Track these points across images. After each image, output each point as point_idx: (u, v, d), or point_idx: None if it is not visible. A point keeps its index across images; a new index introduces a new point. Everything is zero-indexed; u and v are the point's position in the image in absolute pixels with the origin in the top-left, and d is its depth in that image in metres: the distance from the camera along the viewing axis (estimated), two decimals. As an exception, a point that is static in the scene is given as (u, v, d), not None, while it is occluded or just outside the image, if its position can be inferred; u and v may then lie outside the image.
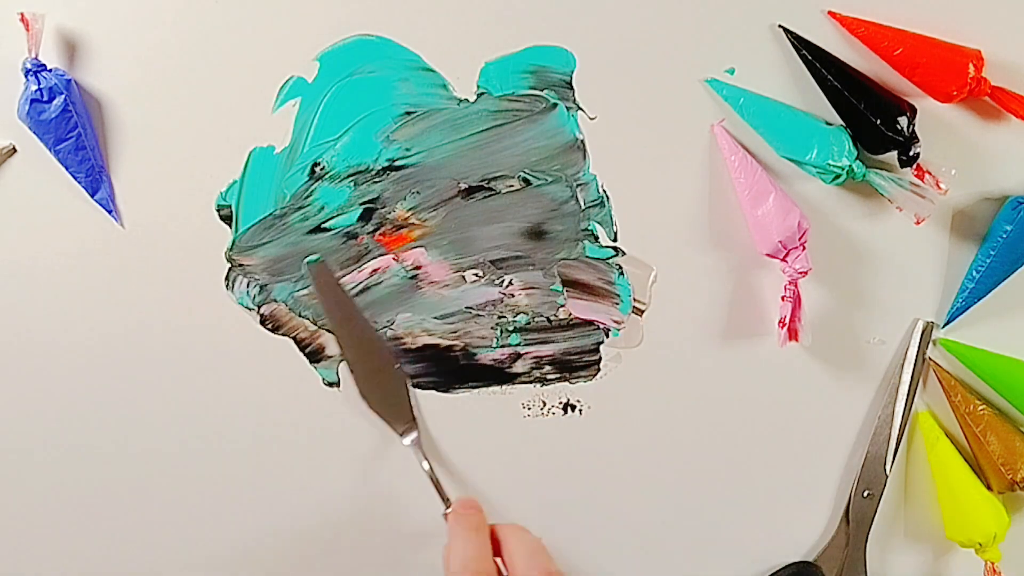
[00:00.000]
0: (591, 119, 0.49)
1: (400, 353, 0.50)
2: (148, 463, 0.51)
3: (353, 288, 0.49)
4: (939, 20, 0.47)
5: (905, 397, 0.50)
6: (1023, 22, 0.48)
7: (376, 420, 0.50)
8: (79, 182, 0.48)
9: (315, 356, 0.50)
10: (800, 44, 0.48)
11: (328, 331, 0.50)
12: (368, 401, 0.50)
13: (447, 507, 0.48)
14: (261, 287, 0.49)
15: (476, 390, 0.51)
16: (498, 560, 0.43)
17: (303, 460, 0.51)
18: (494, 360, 0.51)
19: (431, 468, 0.49)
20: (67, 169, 0.48)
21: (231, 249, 0.49)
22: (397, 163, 0.49)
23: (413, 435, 0.50)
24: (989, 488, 0.50)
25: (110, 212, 0.48)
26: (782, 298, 0.48)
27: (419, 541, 0.52)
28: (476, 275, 0.50)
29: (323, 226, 0.49)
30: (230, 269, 0.49)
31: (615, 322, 0.50)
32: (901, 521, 0.52)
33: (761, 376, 0.51)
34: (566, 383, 0.51)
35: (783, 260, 0.48)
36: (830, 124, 0.48)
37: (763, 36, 0.48)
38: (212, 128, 0.48)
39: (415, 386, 0.50)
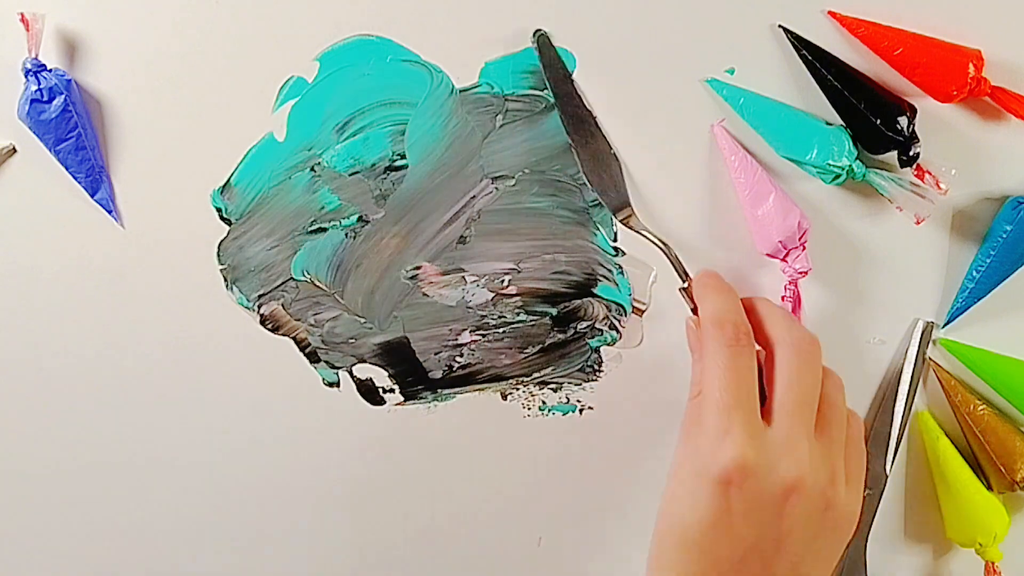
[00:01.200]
0: (591, 119, 0.49)
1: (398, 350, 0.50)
2: (147, 463, 0.51)
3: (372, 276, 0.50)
4: (939, 20, 0.47)
5: (905, 397, 0.50)
6: (1023, 22, 0.48)
7: (380, 419, 0.50)
8: (79, 182, 0.48)
9: (315, 356, 0.50)
10: (800, 44, 0.48)
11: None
12: (590, 181, 0.48)
13: (686, 280, 0.46)
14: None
15: (476, 390, 0.51)
16: None
17: (303, 460, 0.51)
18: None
19: (664, 242, 0.47)
20: (67, 169, 0.48)
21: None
22: (397, 164, 0.49)
23: (627, 212, 0.48)
24: (989, 488, 0.50)
25: (110, 212, 0.49)
26: (782, 298, 0.48)
27: (420, 540, 0.52)
28: (476, 276, 0.50)
29: (323, 227, 0.49)
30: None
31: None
32: (901, 521, 0.52)
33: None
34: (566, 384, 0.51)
35: (783, 260, 0.48)
36: (830, 124, 0.48)
37: (763, 36, 0.48)
38: (212, 128, 0.48)
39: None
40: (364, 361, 0.50)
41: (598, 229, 0.50)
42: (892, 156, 0.47)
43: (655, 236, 0.47)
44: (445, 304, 0.50)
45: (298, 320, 0.50)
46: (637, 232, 0.48)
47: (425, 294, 0.50)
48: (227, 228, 0.49)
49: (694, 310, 0.45)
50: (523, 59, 0.48)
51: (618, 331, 0.50)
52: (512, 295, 0.50)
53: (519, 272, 0.50)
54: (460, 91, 0.48)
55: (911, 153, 0.47)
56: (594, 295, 0.50)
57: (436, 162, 0.49)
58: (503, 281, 0.50)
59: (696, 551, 0.39)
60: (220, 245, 0.49)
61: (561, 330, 0.50)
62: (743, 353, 0.40)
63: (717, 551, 0.39)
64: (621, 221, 0.48)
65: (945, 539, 0.51)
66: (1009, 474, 0.49)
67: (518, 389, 0.51)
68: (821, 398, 0.41)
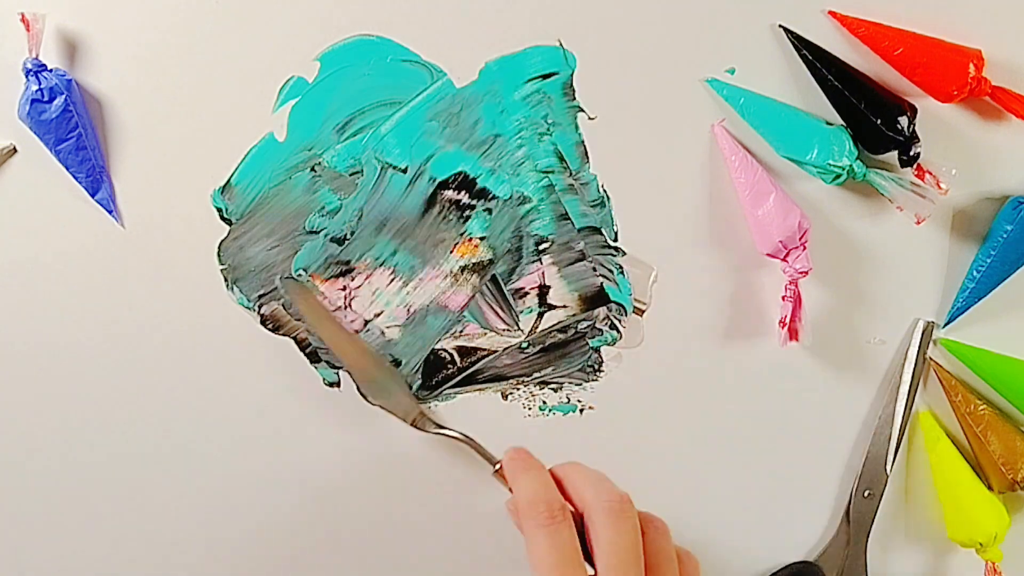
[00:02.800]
0: (591, 119, 0.49)
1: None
2: (147, 463, 0.51)
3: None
4: (939, 20, 0.47)
5: (905, 397, 0.50)
6: (1023, 22, 0.48)
7: (380, 419, 0.50)
8: (79, 182, 0.48)
9: (315, 356, 0.50)
10: (800, 44, 0.48)
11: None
12: (375, 402, 0.49)
13: (495, 465, 0.46)
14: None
15: (477, 390, 0.51)
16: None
17: (303, 460, 0.51)
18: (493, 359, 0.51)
19: (465, 434, 0.48)
20: (67, 169, 0.48)
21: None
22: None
23: (426, 420, 0.49)
24: (990, 488, 0.50)
25: (110, 212, 0.49)
26: (782, 298, 0.48)
27: (420, 540, 0.52)
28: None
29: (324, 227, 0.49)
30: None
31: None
32: (902, 521, 0.52)
33: (761, 376, 0.51)
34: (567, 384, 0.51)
35: (783, 260, 0.48)
36: (830, 124, 0.48)
37: (763, 36, 0.48)
38: (212, 128, 0.48)
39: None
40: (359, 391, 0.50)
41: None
42: (892, 156, 0.47)
43: (453, 431, 0.48)
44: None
45: (298, 320, 0.50)
46: (434, 432, 0.49)
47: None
48: (227, 228, 0.49)
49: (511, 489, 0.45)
50: (523, 59, 0.48)
51: (618, 331, 0.50)
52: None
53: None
54: (460, 91, 0.48)
55: (911, 153, 0.47)
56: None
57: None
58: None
59: None
60: (220, 245, 0.49)
61: (562, 330, 0.50)
62: (560, 530, 0.40)
63: None
64: (412, 424, 0.49)
65: (946, 539, 0.51)
66: (1010, 474, 0.49)
67: (519, 389, 0.51)
68: (647, 548, 0.41)
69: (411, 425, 0.49)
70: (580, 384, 0.51)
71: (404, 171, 0.49)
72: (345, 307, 0.50)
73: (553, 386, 0.51)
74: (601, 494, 0.41)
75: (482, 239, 0.49)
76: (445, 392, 0.51)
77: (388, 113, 0.48)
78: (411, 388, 0.50)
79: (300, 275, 0.49)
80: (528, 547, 0.40)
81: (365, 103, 0.48)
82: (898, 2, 0.48)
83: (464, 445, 0.48)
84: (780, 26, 0.48)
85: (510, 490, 0.44)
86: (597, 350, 0.51)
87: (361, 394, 0.50)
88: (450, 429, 0.49)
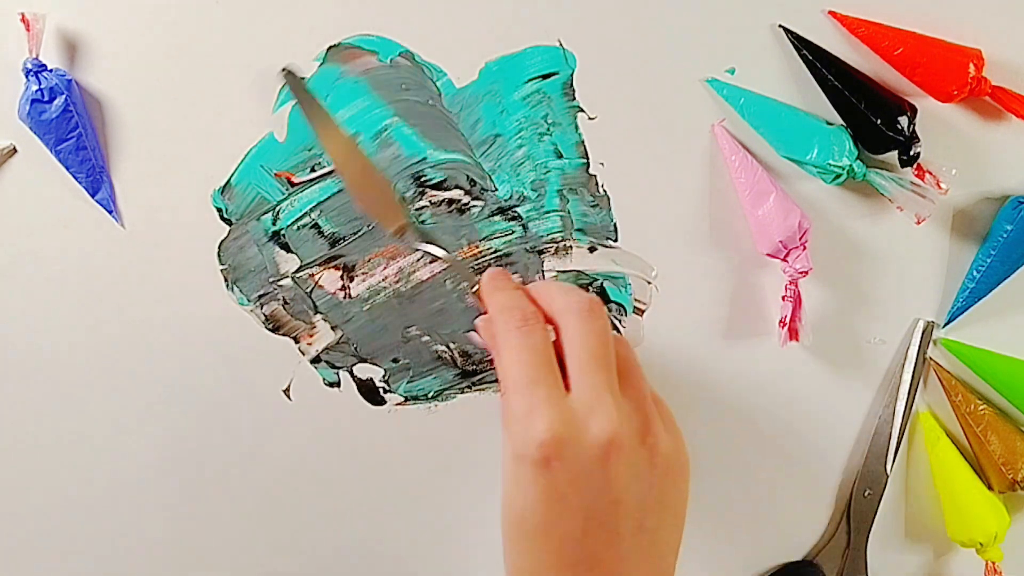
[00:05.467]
0: (591, 119, 0.49)
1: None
2: (147, 463, 0.51)
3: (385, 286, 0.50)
4: (939, 20, 0.48)
5: (906, 397, 0.50)
6: (1023, 22, 0.48)
7: (380, 419, 0.50)
8: (79, 182, 0.48)
9: (315, 356, 0.50)
10: (800, 44, 0.48)
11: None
12: (363, 205, 0.48)
13: (475, 285, 0.44)
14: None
15: (477, 390, 0.51)
16: None
17: (303, 460, 0.51)
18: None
19: (447, 251, 0.47)
20: (68, 169, 0.48)
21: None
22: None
23: (410, 231, 0.47)
24: (990, 488, 0.50)
25: (110, 212, 0.49)
26: (783, 298, 0.49)
27: (421, 540, 0.52)
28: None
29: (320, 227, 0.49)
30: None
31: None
32: (902, 521, 0.52)
33: (761, 376, 0.51)
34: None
35: (784, 260, 0.48)
36: (831, 124, 0.48)
37: (763, 36, 0.48)
38: (212, 128, 0.48)
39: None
40: (365, 361, 0.50)
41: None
42: (892, 156, 0.47)
43: (436, 247, 0.46)
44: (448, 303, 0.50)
45: (298, 320, 0.50)
46: (416, 246, 0.48)
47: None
48: (227, 228, 0.49)
49: (483, 313, 0.43)
50: (523, 59, 0.48)
51: (618, 331, 0.50)
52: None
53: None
54: (460, 91, 0.48)
55: (911, 153, 0.47)
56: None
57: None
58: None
59: (539, 536, 0.38)
60: (220, 245, 0.49)
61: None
62: (533, 332, 0.39)
63: (559, 530, 0.37)
64: (395, 233, 0.47)
65: (946, 539, 0.51)
66: (1010, 474, 0.49)
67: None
68: (616, 357, 0.40)
69: (394, 234, 0.47)
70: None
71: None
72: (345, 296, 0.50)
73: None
74: (571, 298, 0.40)
75: (482, 239, 0.49)
76: (445, 392, 0.51)
77: (387, 113, 0.48)
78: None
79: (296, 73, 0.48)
80: (500, 354, 0.39)
81: (365, 103, 0.48)
82: (898, 2, 0.48)
83: (449, 267, 0.46)
84: (780, 26, 0.48)
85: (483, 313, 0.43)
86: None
87: (355, 200, 0.49)
88: (434, 245, 0.47)
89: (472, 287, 0.45)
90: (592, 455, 0.37)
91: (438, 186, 0.49)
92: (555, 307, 0.40)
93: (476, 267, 0.49)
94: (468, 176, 0.49)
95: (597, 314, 0.40)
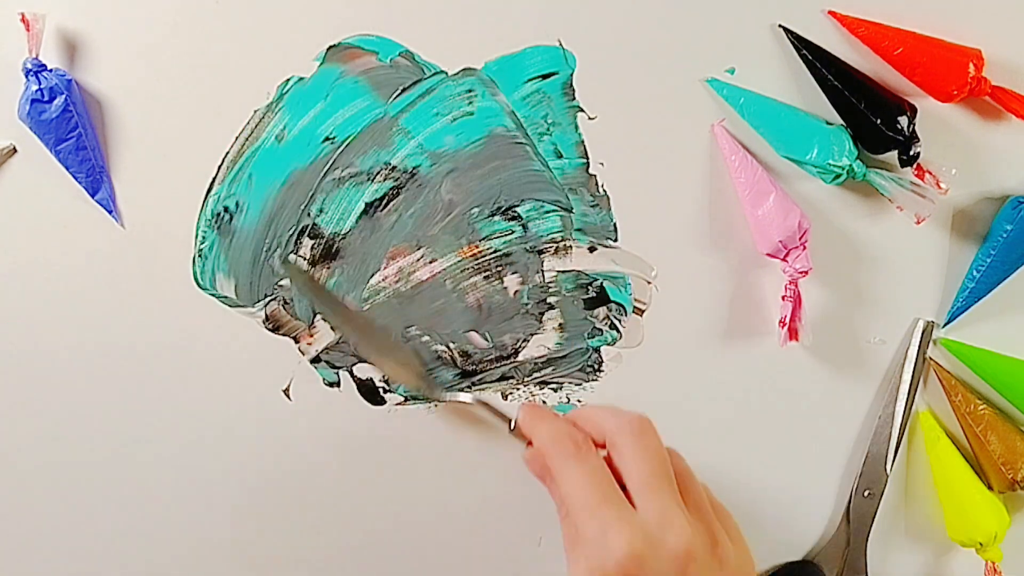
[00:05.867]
0: (591, 119, 0.49)
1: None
2: (146, 462, 0.51)
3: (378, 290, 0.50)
4: (939, 20, 0.47)
5: (905, 397, 0.50)
6: (1023, 22, 0.48)
7: (380, 419, 0.50)
8: (79, 182, 0.48)
9: (315, 356, 0.50)
10: (800, 44, 0.48)
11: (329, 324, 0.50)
12: (387, 372, 0.49)
13: (512, 423, 0.45)
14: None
15: (476, 391, 0.51)
16: None
17: (303, 460, 0.51)
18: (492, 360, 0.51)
19: (477, 398, 0.47)
20: (67, 169, 0.48)
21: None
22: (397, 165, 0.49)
23: (435, 390, 0.49)
24: (990, 488, 0.50)
25: (110, 212, 0.49)
26: (782, 298, 0.48)
27: (421, 540, 0.52)
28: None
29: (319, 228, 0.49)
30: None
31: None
32: (902, 521, 0.52)
33: (761, 376, 0.51)
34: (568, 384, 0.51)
35: (783, 260, 0.48)
36: (830, 124, 0.48)
37: (763, 36, 0.48)
38: (213, 128, 0.48)
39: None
40: (365, 361, 0.50)
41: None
42: (892, 156, 0.47)
43: (465, 396, 0.47)
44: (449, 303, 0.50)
45: (298, 320, 0.50)
46: (447, 400, 0.49)
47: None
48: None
49: (529, 444, 0.44)
50: (523, 59, 0.48)
51: (618, 331, 0.50)
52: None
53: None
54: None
55: (911, 153, 0.47)
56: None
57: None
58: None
59: None
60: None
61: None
62: (588, 456, 0.40)
63: None
64: (422, 394, 0.50)
65: (945, 539, 0.51)
66: (1010, 473, 0.49)
67: (519, 389, 0.51)
68: (674, 470, 0.41)
69: (421, 396, 0.49)
70: (580, 384, 0.51)
71: (404, 171, 0.49)
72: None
73: (553, 386, 0.51)
74: (621, 418, 0.41)
75: (482, 239, 0.49)
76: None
77: (388, 114, 0.48)
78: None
79: (294, 259, 0.49)
80: (560, 483, 0.40)
81: (366, 103, 0.48)
82: (898, 2, 0.48)
83: (478, 410, 0.46)
84: (780, 26, 0.48)
85: (528, 444, 0.44)
86: (597, 350, 0.51)
87: (360, 360, 0.50)
88: (462, 394, 0.48)
89: (511, 426, 0.45)
90: (670, 569, 0.38)
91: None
92: (606, 429, 0.41)
93: (476, 267, 0.49)
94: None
95: (650, 432, 0.41)
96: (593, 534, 0.38)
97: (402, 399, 0.51)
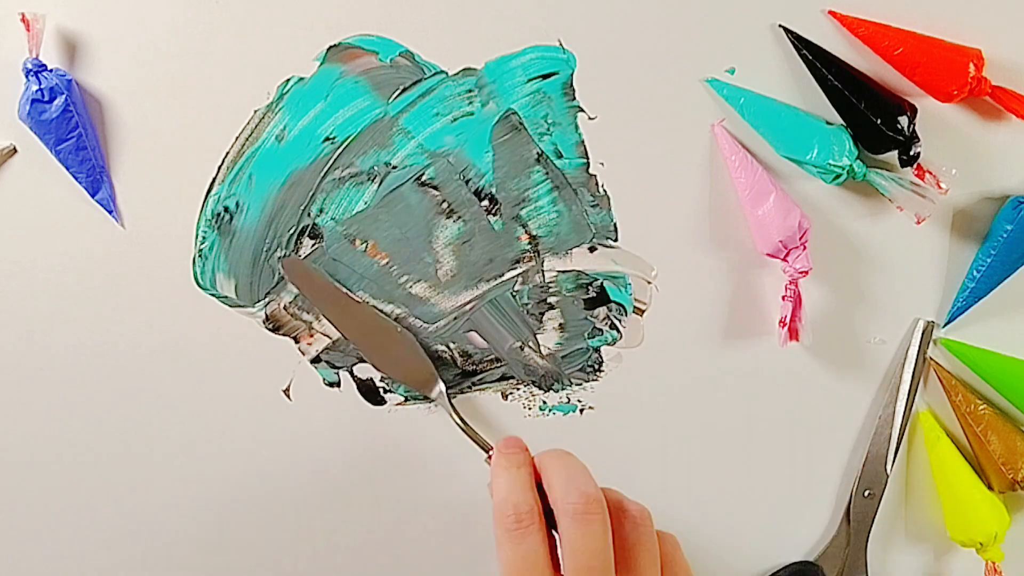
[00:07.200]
0: (591, 119, 0.49)
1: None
2: (146, 462, 0.51)
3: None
4: (939, 20, 0.47)
5: (906, 397, 0.50)
6: (1023, 22, 0.48)
7: (380, 419, 0.50)
8: (80, 182, 0.48)
9: (315, 356, 0.50)
10: (800, 44, 0.48)
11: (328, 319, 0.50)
12: (386, 372, 0.49)
13: (488, 453, 0.46)
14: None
15: (476, 390, 0.51)
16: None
17: (303, 460, 0.51)
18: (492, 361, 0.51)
19: (462, 419, 0.48)
20: (68, 169, 0.48)
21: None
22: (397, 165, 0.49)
23: (438, 388, 0.49)
24: (990, 488, 0.50)
25: (110, 212, 0.49)
26: (783, 298, 0.48)
27: (421, 540, 0.52)
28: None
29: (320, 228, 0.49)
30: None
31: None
32: (902, 521, 0.52)
33: (761, 376, 0.51)
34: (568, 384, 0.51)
35: (784, 260, 0.48)
36: (831, 124, 0.48)
37: (763, 36, 0.48)
38: (213, 128, 0.48)
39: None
40: (364, 361, 0.50)
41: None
42: (892, 156, 0.47)
43: (457, 416, 0.48)
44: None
45: (298, 320, 0.50)
46: (446, 407, 0.49)
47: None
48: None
49: None
50: (523, 59, 0.48)
51: (618, 331, 0.50)
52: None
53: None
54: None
55: (911, 153, 0.47)
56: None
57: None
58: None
59: None
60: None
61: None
62: (526, 536, 0.39)
63: None
64: (436, 401, 0.49)
65: (945, 539, 0.51)
66: (1010, 473, 0.49)
67: (519, 389, 0.51)
68: (621, 543, 0.39)
69: (424, 395, 0.49)
70: (580, 384, 0.51)
71: (403, 170, 0.49)
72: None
73: (555, 386, 0.51)
74: (568, 495, 0.39)
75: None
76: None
77: (388, 114, 0.48)
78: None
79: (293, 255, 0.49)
80: (497, 550, 0.39)
81: (366, 103, 0.48)
82: (898, 2, 0.48)
83: (461, 431, 0.47)
84: (780, 26, 0.48)
85: None
86: (597, 350, 0.51)
87: (377, 368, 0.50)
88: (454, 409, 0.48)
89: (487, 455, 0.46)
90: None
91: (438, 187, 0.49)
92: (554, 500, 0.40)
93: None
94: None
95: (593, 515, 0.39)
96: None
97: (402, 399, 0.51)
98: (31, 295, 0.49)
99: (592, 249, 0.50)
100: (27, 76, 0.46)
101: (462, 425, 0.48)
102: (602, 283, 0.50)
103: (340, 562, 0.52)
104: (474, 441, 0.47)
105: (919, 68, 0.47)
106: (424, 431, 0.51)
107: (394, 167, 0.49)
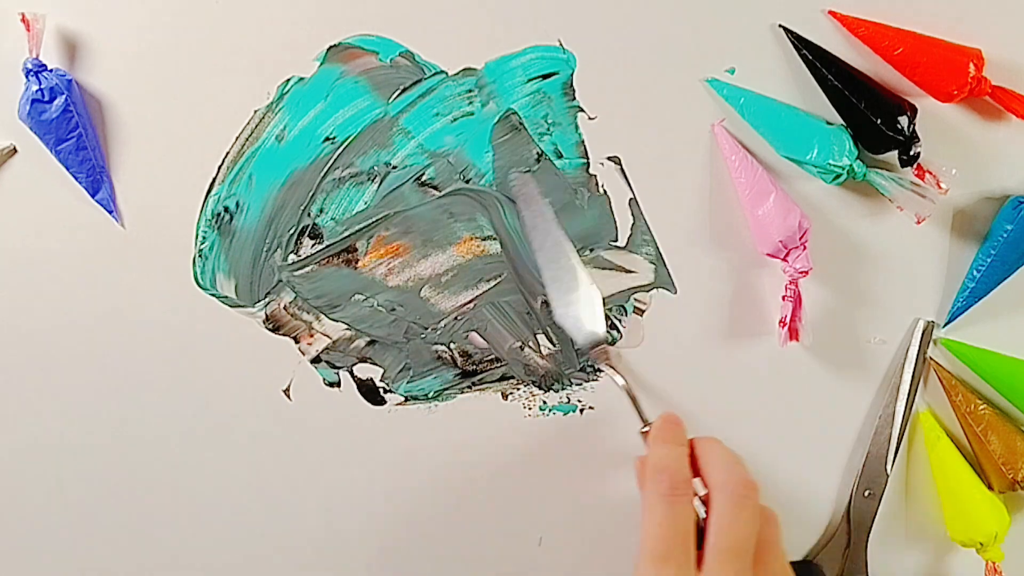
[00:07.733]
0: (591, 119, 0.49)
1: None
2: (147, 463, 0.51)
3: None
4: (939, 20, 0.47)
5: (906, 397, 0.50)
6: (1023, 22, 0.48)
7: (380, 419, 0.50)
8: (80, 182, 0.48)
9: (315, 356, 0.50)
10: (800, 44, 0.48)
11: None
12: (562, 320, 0.49)
13: (645, 425, 0.46)
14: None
15: (477, 390, 0.51)
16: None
17: (303, 460, 0.51)
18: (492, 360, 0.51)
19: (627, 383, 0.48)
20: (68, 169, 0.48)
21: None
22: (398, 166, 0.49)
23: (603, 348, 0.49)
24: (990, 488, 0.50)
25: (110, 212, 0.49)
26: (783, 298, 0.48)
27: (421, 540, 0.52)
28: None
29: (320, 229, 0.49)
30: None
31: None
32: (902, 521, 0.52)
33: (761, 376, 0.51)
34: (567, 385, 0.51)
35: (784, 260, 0.48)
36: (831, 124, 0.48)
37: (763, 36, 0.48)
38: (213, 128, 0.48)
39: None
40: (365, 361, 0.50)
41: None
42: (893, 156, 0.47)
43: (623, 382, 0.48)
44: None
45: (298, 320, 0.50)
46: (606, 369, 0.49)
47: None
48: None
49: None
50: (523, 59, 0.48)
51: (619, 331, 0.50)
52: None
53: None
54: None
55: (911, 153, 0.47)
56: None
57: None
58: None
59: None
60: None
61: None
62: (678, 503, 0.41)
63: None
64: (594, 355, 0.49)
65: (945, 539, 0.51)
66: (1010, 473, 0.49)
67: (519, 389, 0.51)
68: (759, 538, 0.41)
69: (589, 350, 0.49)
70: (580, 384, 0.51)
71: (404, 170, 0.49)
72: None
73: (555, 386, 0.51)
74: (730, 477, 0.41)
75: (484, 239, 0.49)
76: (445, 392, 0.51)
77: (388, 114, 0.48)
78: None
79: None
80: (643, 512, 0.41)
81: (367, 103, 0.48)
82: (898, 2, 0.48)
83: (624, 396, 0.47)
84: (780, 26, 0.48)
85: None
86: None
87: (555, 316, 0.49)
88: (617, 371, 0.48)
89: (643, 427, 0.46)
90: None
91: (438, 187, 0.49)
92: (713, 479, 0.42)
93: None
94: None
95: (750, 502, 0.41)
96: None
97: (402, 399, 0.51)
98: (31, 294, 0.49)
99: (592, 249, 0.50)
100: (27, 76, 0.46)
101: (627, 389, 0.47)
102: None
103: (340, 561, 0.52)
104: (636, 409, 0.47)
105: (919, 68, 0.47)
106: (424, 431, 0.51)
107: (394, 167, 0.49)
